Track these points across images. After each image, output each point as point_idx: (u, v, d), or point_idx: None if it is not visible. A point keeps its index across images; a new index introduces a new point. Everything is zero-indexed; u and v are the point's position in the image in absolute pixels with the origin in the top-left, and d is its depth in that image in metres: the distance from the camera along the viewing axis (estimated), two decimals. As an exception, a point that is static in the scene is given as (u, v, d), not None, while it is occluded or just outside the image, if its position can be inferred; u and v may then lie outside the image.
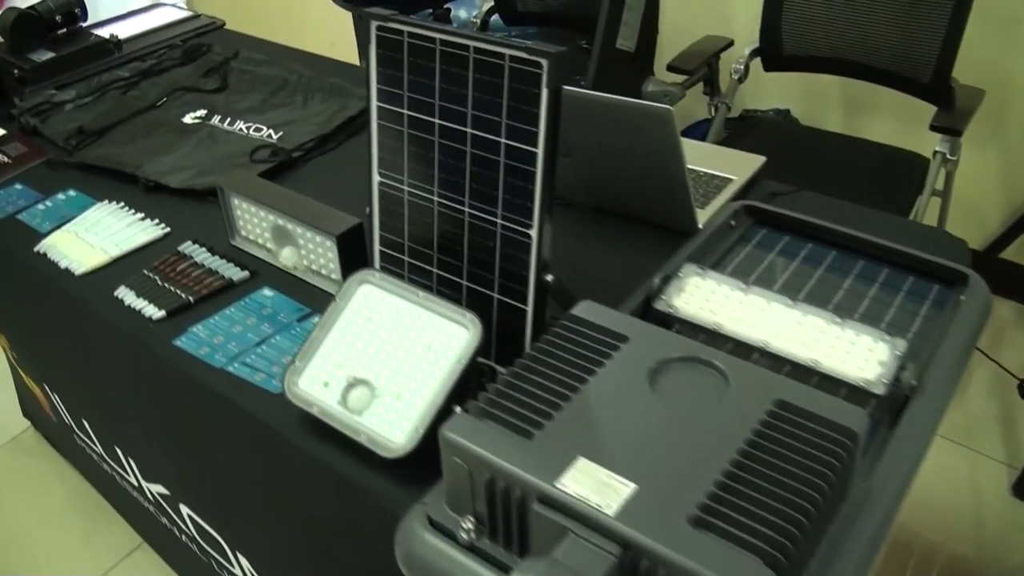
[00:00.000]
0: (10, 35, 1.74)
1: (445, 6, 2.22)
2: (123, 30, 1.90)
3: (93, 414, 1.50)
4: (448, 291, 1.04)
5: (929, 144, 1.92)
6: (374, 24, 0.99)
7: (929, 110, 1.84)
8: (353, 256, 1.15)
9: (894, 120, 2.34)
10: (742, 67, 2.06)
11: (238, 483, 1.15)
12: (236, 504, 1.20)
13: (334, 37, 3.20)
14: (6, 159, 1.54)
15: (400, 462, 0.88)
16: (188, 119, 1.58)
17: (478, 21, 2.24)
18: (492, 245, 0.98)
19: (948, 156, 1.86)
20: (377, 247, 1.10)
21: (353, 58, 3.08)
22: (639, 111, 1.10)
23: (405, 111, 1.00)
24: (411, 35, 0.96)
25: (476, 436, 0.77)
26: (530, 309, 0.98)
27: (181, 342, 1.11)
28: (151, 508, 1.55)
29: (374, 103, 1.03)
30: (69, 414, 1.64)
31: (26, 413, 2.13)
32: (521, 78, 0.89)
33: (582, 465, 0.75)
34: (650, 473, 0.71)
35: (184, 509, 1.39)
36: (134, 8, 2.17)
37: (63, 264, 1.26)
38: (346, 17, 3.02)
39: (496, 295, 1.00)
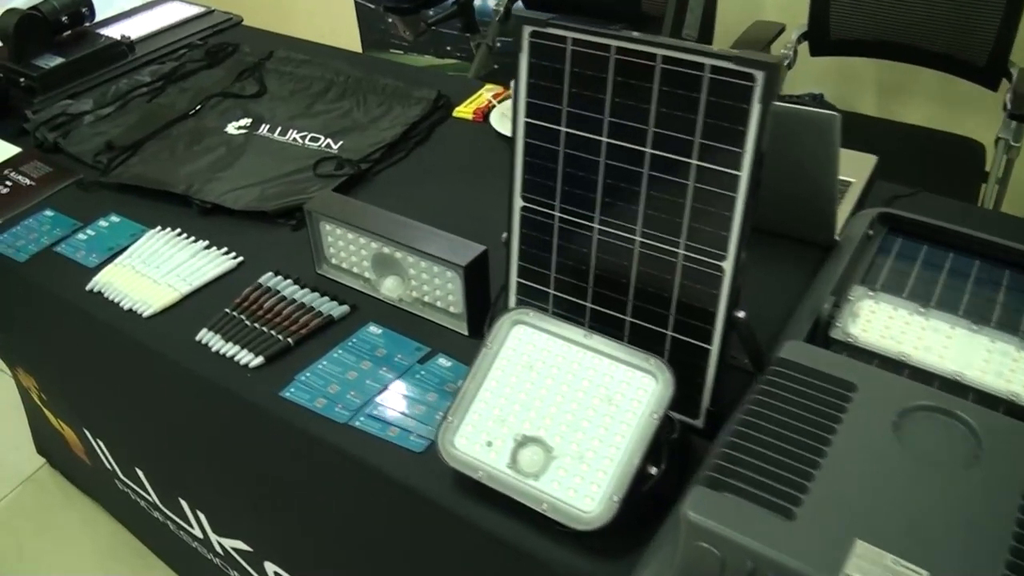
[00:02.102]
0: (13, 40, 1.55)
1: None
2: (132, 29, 1.72)
3: (154, 464, 1.35)
4: (606, 327, 0.91)
5: (970, 127, 1.86)
6: (527, 30, 0.85)
7: (970, 94, 1.76)
8: (477, 288, 1.02)
9: (931, 103, 2.27)
10: (791, 52, 1.96)
11: (370, 550, 1.01)
12: (363, 572, 1.07)
13: (332, 24, 3.02)
14: (28, 181, 1.37)
15: (589, 532, 0.77)
16: (232, 129, 1.42)
17: (501, 8, 2.10)
18: (670, 278, 0.86)
19: (1012, 143, 1.79)
20: (514, 279, 0.97)
21: (353, 47, 2.91)
22: (802, 117, 0.99)
23: (563, 128, 0.87)
24: (577, 43, 0.83)
25: (730, 518, 0.66)
26: (715, 349, 0.86)
27: (291, 393, 0.97)
28: (216, 561, 1.40)
29: (521, 119, 0.90)
30: (115, 460, 1.48)
31: (41, 450, 1.95)
32: (724, 92, 0.77)
33: (862, 550, 0.65)
34: (937, 556, 0.61)
35: (270, 568, 1.25)
36: (136, 4, 1.98)
37: (125, 304, 1.11)
38: (344, 5, 2.84)
39: (671, 333, 0.88)
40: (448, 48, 2.65)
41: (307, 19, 3.15)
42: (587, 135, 0.87)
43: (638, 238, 0.87)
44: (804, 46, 2.04)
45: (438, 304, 1.06)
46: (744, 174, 0.79)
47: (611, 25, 2.06)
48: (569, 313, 0.95)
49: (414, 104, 1.44)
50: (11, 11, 1.58)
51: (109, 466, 1.52)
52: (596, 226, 0.89)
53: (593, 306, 0.93)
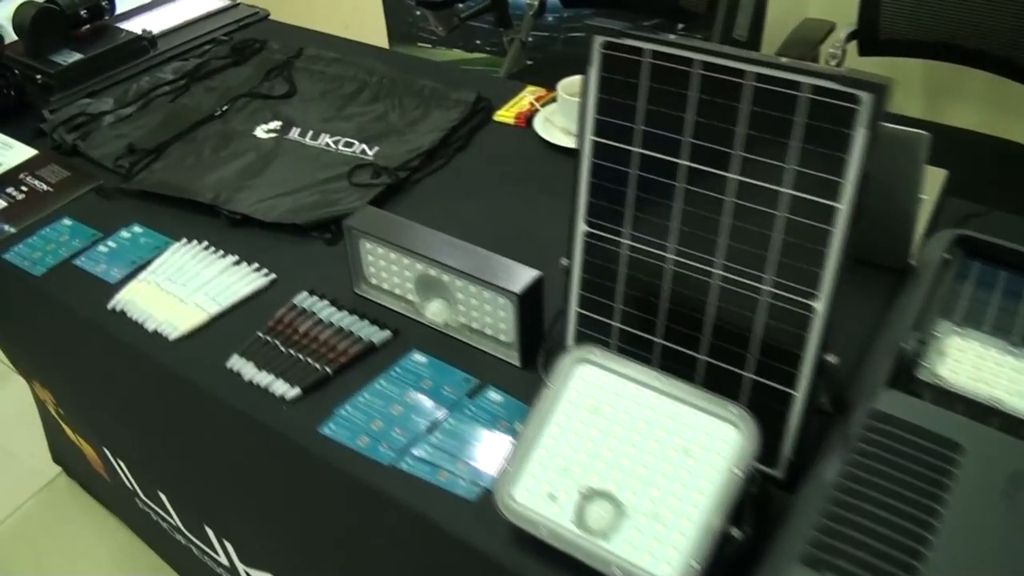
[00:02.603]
0: (29, 34, 1.47)
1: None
2: (153, 23, 1.64)
3: (178, 490, 1.27)
4: (676, 365, 0.83)
5: (1020, 133, 1.76)
6: (599, 41, 0.77)
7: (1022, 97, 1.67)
8: (531, 316, 0.94)
9: (981, 107, 2.17)
10: (840, 52, 1.86)
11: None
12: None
13: (358, 17, 2.92)
14: (45, 186, 1.29)
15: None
16: (261, 132, 1.34)
17: (536, 2, 2.00)
18: (752, 316, 0.78)
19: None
20: (574, 308, 0.89)
21: (369, 41, 2.82)
22: (887, 134, 0.90)
23: (637, 149, 0.79)
24: (657, 55, 0.74)
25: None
26: (800, 395, 0.78)
27: (330, 430, 0.90)
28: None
29: (588, 137, 0.81)
30: (137, 482, 1.41)
31: (57, 459, 1.89)
32: (824, 114, 0.69)
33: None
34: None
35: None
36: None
37: (150, 326, 1.03)
38: None
39: (751, 375, 0.80)
40: (478, 42, 2.56)
41: (332, 11, 3.06)
42: (664, 157, 0.78)
43: (718, 271, 0.79)
44: (852, 45, 1.94)
45: (487, 331, 0.98)
46: (843, 207, 0.71)
47: (642, 18, 1.97)
48: (635, 348, 0.86)
49: (452, 107, 1.36)
50: (27, 4, 1.50)
51: (130, 486, 1.45)
52: (671, 256, 0.81)
53: (663, 342, 0.85)
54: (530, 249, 1.04)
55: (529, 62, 2.12)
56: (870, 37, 1.88)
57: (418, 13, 2.64)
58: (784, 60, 0.71)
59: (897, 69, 2.22)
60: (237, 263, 1.12)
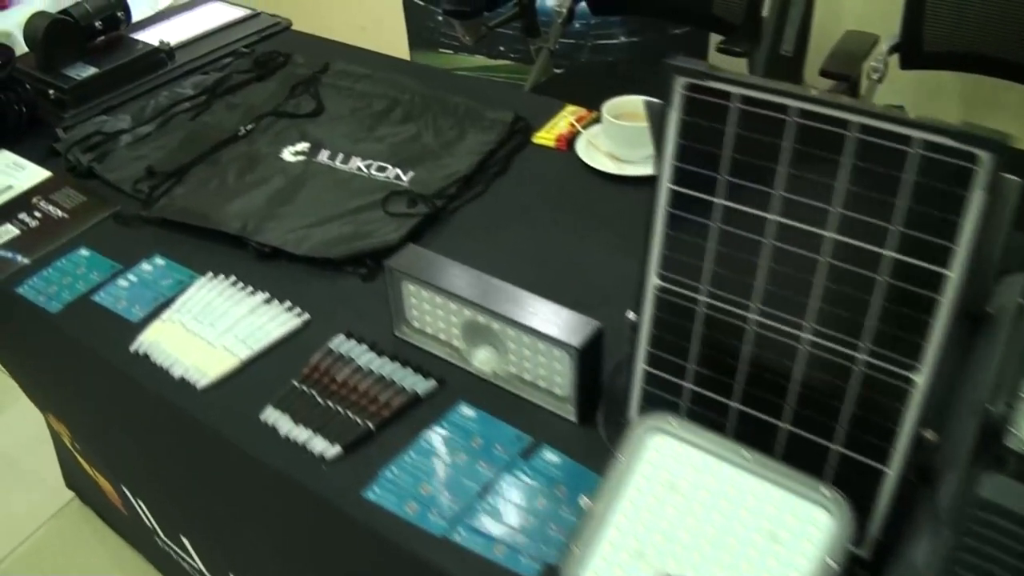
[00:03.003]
0: (42, 47, 1.40)
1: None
2: (169, 34, 1.56)
3: (203, 538, 1.20)
4: (754, 432, 0.77)
5: None
6: (681, 82, 0.70)
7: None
8: (590, 370, 0.87)
9: (1020, 120, 2.10)
10: (882, 66, 1.79)
11: None
12: None
13: (377, 22, 2.84)
14: (60, 212, 1.22)
15: None
16: (288, 155, 1.27)
17: (564, 10, 1.93)
18: (843, 385, 0.71)
19: None
20: (641, 366, 0.82)
21: (387, 45, 2.74)
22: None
23: (720, 200, 0.72)
24: (747, 100, 0.67)
25: None
26: (893, 472, 0.71)
27: (375, 494, 0.83)
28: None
29: (665, 185, 0.74)
30: (158, 523, 1.35)
31: (71, 485, 1.82)
32: (936, 172, 0.62)
33: None
34: None
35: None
36: (164, 3, 1.82)
37: (176, 371, 0.96)
38: (391, 2, 2.66)
39: (839, 448, 0.73)
40: (501, 48, 2.48)
41: (351, 16, 2.98)
42: (751, 211, 0.71)
43: (807, 335, 0.72)
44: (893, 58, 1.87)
45: (540, 384, 0.91)
46: (954, 275, 0.64)
47: (672, 27, 1.88)
48: (708, 411, 0.80)
49: (488, 128, 1.29)
50: (40, 15, 1.42)
51: (149, 525, 1.38)
52: (754, 316, 0.74)
53: (741, 406, 0.78)
54: (579, 286, 1.00)
55: (557, 70, 2.05)
56: (913, 50, 1.81)
57: (440, 19, 2.56)
58: (893, 112, 0.64)
59: (935, 81, 2.15)
60: (267, 301, 1.05)
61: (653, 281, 0.80)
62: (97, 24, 1.46)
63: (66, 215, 1.22)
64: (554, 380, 0.90)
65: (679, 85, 0.72)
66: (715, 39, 2.16)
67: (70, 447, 1.49)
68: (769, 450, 0.76)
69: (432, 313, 0.96)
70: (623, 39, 2.27)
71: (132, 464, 1.24)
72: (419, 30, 2.61)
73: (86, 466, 1.51)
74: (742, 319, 0.76)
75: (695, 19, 1.95)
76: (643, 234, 0.78)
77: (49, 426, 1.67)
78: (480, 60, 2.57)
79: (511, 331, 0.90)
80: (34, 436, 1.87)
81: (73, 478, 1.77)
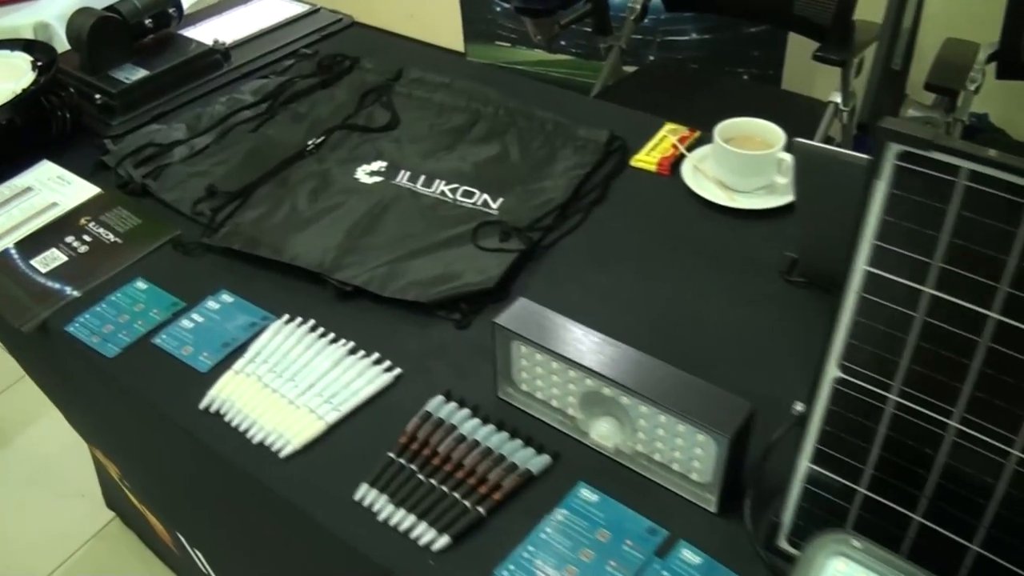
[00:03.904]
0: (87, 47, 1.27)
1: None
2: (222, 32, 1.43)
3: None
4: (936, 549, 0.65)
5: None
6: (894, 150, 0.57)
7: None
8: (736, 456, 0.75)
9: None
10: (980, 76, 1.65)
11: None
12: None
13: (431, 14, 2.70)
14: (112, 236, 1.10)
15: None
16: (363, 175, 1.15)
17: (638, 7, 1.79)
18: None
19: None
20: (806, 463, 0.70)
21: (438, 35, 2.61)
22: None
23: (929, 290, 0.59)
24: (977, 177, 0.55)
25: None
26: None
27: (492, 599, 0.71)
28: None
29: (860, 266, 0.62)
30: (213, 569, 1.23)
31: (112, 506, 1.71)
32: None
33: None
34: None
35: None
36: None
37: (255, 435, 0.85)
38: None
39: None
40: (562, 43, 2.35)
41: (398, 2, 2.83)
42: (968, 306, 0.59)
43: (1018, 453, 0.59)
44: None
45: (673, 466, 0.79)
46: None
47: (755, 26, 1.74)
48: (881, 520, 0.68)
49: (581, 148, 1.16)
50: (84, 11, 1.30)
51: (205, 570, 1.27)
52: (954, 424, 0.62)
53: (924, 521, 0.66)
54: (694, 339, 0.92)
55: (627, 68, 1.91)
56: (1012, 59, 1.67)
57: (498, 10, 2.42)
58: None
59: (1019, 87, 2.00)
60: (353, 351, 0.93)
61: (833, 372, 0.67)
62: (147, 22, 1.34)
63: (119, 240, 1.11)
64: (691, 464, 0.78)
65: (892, 153, 0.59)
66: (794, 39, 2.02)
67: (117, 480, 1.38)
68: (952, 573, 0.65)
69: (545, 378, 0.84)
70: (694, 36, 2.14)
71: (194, 520, 1.13)
72: (475, 21, 2.48)
73: (136, 502, 1.40)
74: (940, 425, 0.64)
75: (774, 18, 1.82)
76: (827, 320, 0.66)
77: (91, 451, 1.56)
78: (539, 55, 2.43)
79: (644, 408, 0.78)
80: (70, 446, 1.76)
81: (116, 502, 1.67)
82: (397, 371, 0.92)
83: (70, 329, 1.00)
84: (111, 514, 1.75)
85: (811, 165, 0.88)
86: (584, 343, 0.82)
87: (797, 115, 1.73)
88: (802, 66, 2.09)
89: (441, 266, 1.00)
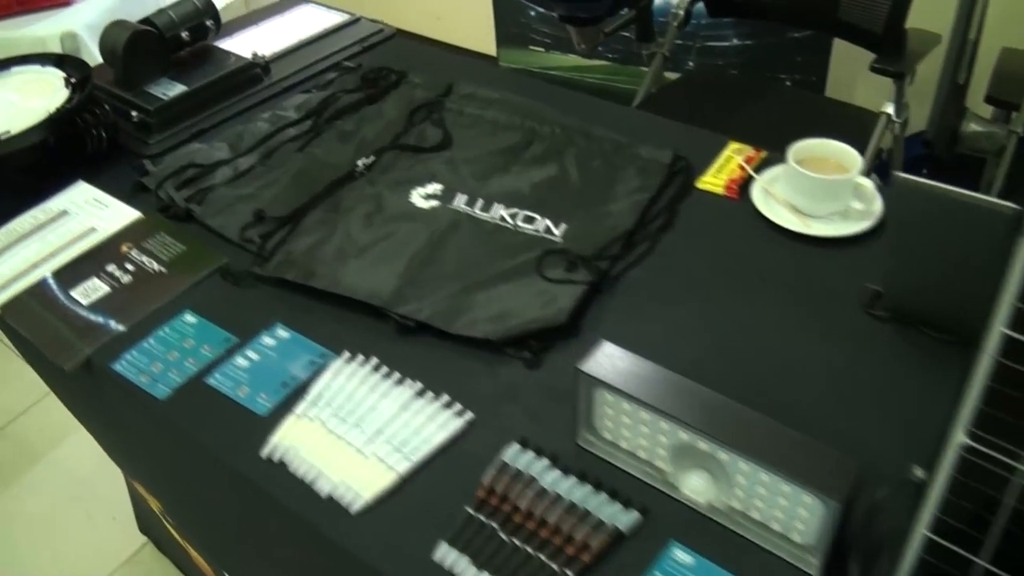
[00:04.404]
0: (122, 62, 1.22)
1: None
2: (259, 43, 1.38)
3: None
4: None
5: None
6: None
7: None
8: (843, 520, 0.70)
9: None
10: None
11: None
12: None
13: (462, 17, 2.63)
14: (156, 265, 1.05)
15: None
16: (419, 199, 1.09)
17: (681, 12, 1.73)
18: None
19: None
20: (923, 532, 0.65)
21: (467, 38, 2.55)
22: None
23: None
24: None
25: None
26: None
27: (590, 675, 0.66)
28: None
29: (999, 328, 0.57)
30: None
31: (145, 530, 1.67)
32: None
33: None
34: None
35: None
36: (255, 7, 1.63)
37: (323, 488, 0.80)
38: None
39: None
40: (599, 48, 2.28)
41: (425, 4, 2.77)
42: None
43: None
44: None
45: (773, 525, 0.74)
46: None
47: (799, 32, 1.68)
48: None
49: (643, 169, 1.11)
50: (119, 25, 1.24)
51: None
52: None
53: (1063, 595, 0.61)
54: (778, 381, 0.88)
55: (670, 74, 1.85)
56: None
57: (532, 14, 2.36)
58: None
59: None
60: (420, 393, 0.88)
61: (959, 439, 0.62)
62: (183, 35, 1.28)
63: (164, 269, 1.05)
64: (793, 525, 0.73)
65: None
66: (839, 44, 1.97)
67: (157, 514, 1.33)
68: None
69: (632, 428, 0.79)
70: (735, 42, 2.08)
71: (247, 563, 1.08)
72: (508, 26, 2.41)
73: (177, 537, 1.35)
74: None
75: (818, 23, 1.76)
76: (956, 385, 0.61)
77: (128, 478, 1.52)
78: (574, 60, 2.37)
79: (744, 464, 0.73)
80: (101, 465, 1.71)
81: (150, 527, 1.62)
82: (469, 415, 0.87)
83: (117, 367, 0.95)
84: (143, 539, 1.70)
85: (912, 200, 0.83)
86: (676, 391, 0.77)
87: (844, 125, 1.67)
88: (844, 72, 2.04)
89: (507, 299, 0.95)
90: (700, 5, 1.75)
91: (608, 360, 0.80)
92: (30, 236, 1.13)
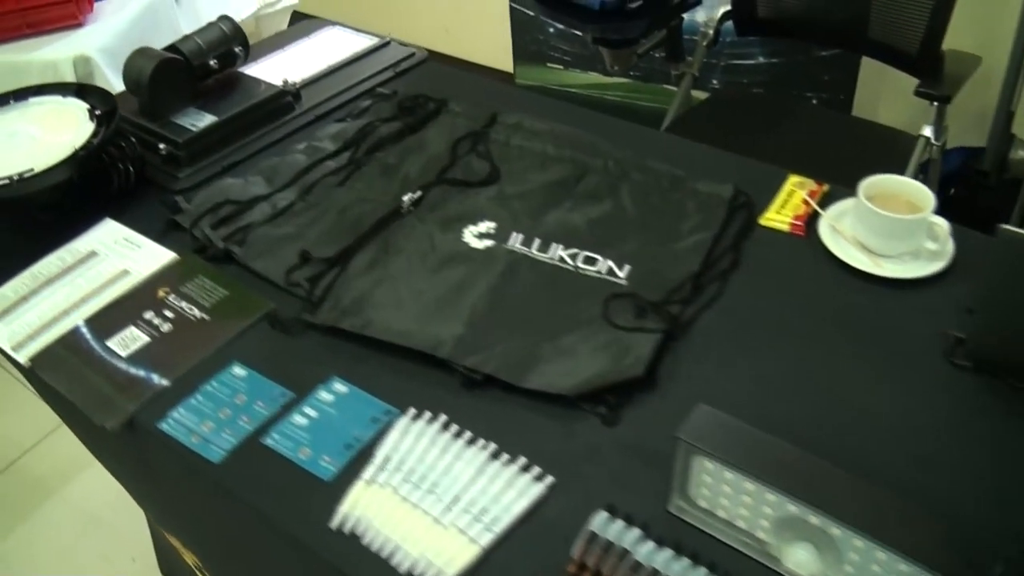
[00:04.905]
0: (148, 92, 1.15)
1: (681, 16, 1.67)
2: (287, 69, 1.32)
3: None
4: None
5: None
6: None
7: None
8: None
9: None
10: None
11: None
12: None
13: (479, 33, 2.58)
14: (198, 312, 0.99)
15: None
16: (472, 238, 1.05)
17: (710, 31, 1.69)
18: None
19: None
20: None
21: (472, 51, 2.50)
22: None
23: None
24: None
25: None
26: None
27: None
28: None
29: None
30: None
31: (166, 572, 1.61)
32: None
33: None
34: None
35: None
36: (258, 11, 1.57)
37: (401, 563, 0.76)
38: (496, 12, 2.41)
39: None
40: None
41: (435, 18, 2.71)
42: None
43: None
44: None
45: (889, 602, 0.69)
46: None
47: (826, 50, 1.65)
48: None
49: (703, 205, 1.06)
50: (143, 53, 1.18)
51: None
52: None
53: None
54: (862, 433, 0.84)
55: (698, 92, 1.81)
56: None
57: (551, 31, 2.31)
58: None
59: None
60: (495, 455, 0.82)
61: None
62: (211, 63, 1.22)
63: (206, 316, 1.00)
64: (913, 602, 0.68)
65: None
66: (867, 63, 1.93)
67: (190, 565, 1.27)
68: None
69: (733, 497, 0.75)
70: (761, 60, 2.04)
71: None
72: (526, 43, 2.36)
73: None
74: None
75: (847, 42, 1.72)
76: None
77: (152, 521, 1.45)
78: (594, 77, 2.32)
79: (859, 541, 0.68)
80: (117, 502, 1.64)
81: (175, 573, 1.55)
82: (549, 479, 0.82)
83: (164, 427, 0.89)
84: (162, 578, 1.64)
85: (1015, 253, 0.79)
86: (781, 460, 0.72)
87: (879, 146, 1.64)
88: (870, 90, 2.01)
89: (578, 349, 0.91)
90: (728, 23, 1.71)
91: (707, 425, 0.76)
92: (58, 280, 1.07)
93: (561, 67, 2.34)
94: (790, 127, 1.66)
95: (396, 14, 2.74)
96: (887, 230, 1.01)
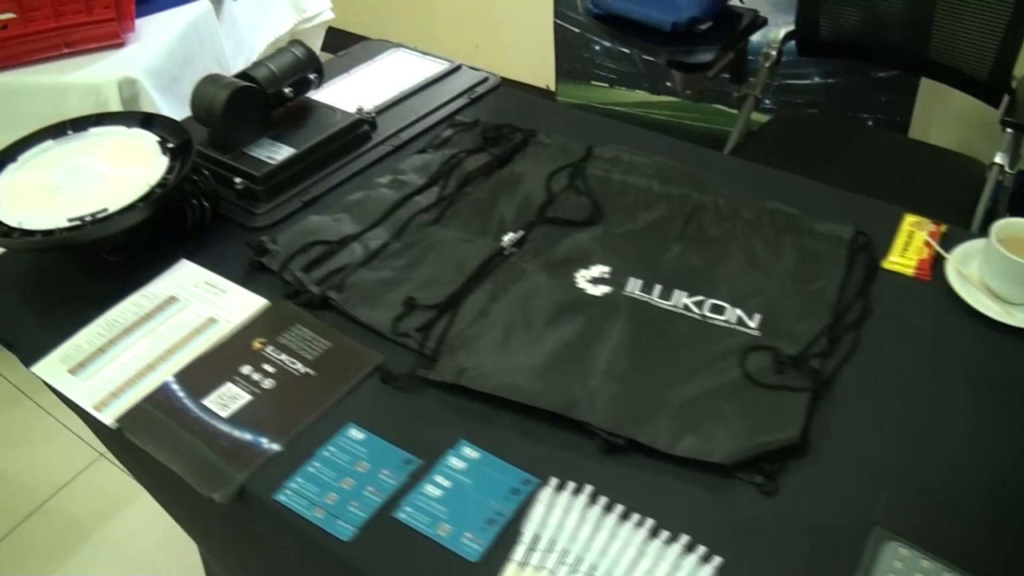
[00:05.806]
0: (222, 121, 1.08)
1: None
2: (356, 95, 1.24)
3: None
4: None
5: None
6: None
7: None
8: None
9: None
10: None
11: None
12: None
13: (477, 38, 2.51)
14: (302, 366, 0.92)
15: None
16: (586, 283, 0.98)
17: (774, 53, 1.64)
18: None
19: None
20: None
21: (503, 66, 2.43)
22: None
23: None
24: None
25: None
26: None
27: None
28: None
29: None
30: None
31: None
32: None
33: None
34: None
35: None
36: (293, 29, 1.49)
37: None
38: (487, 14, 2.34)
39: None
40: (668, 84, 2.18)
41: (465, 34, 2.63)
42: None
43: None
44: None
45: None
46: None
47: (886, 71, 1.60)
48: None
49: (824, 247, 1.01)
50: (214, 81, 1.10)
51: None
52: None
53: None
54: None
55: (759, 115, 1.76)
56: None
57: (597, 48, 2.24)
58: None
59: None
60: (654, 533, 0.76)
61: None
62: (286, 90, 1.14)
63: (310, 370, 0.92)
64: None
65: None
66: (927, 84, 1.90)
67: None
68: None
69: (932, 582, 0.69)
70: (817, 80, 1.99)
71: None
72: (569, 60, 2.29)
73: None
74: None
75: (906, 63, 1.68)
76: None
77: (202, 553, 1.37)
78: (641, 96, 2.26)
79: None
80: (163, 542, 1.55)
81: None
82: (716, 560, 0.76)
83: (281, 499, 0.82)
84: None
85: None
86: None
87: (946, 172, 1.60)
88: (926, 112, 1.97)
89: (724, 410, 0.85)
90: (789, 44, 1.66)
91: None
92: (137, 328, 0.99)
93: (606, 85, 2.28)
94: (855, 151, 1.62)
95: (425, 29, 2.66)
96: (1015, 275, 0.96)
